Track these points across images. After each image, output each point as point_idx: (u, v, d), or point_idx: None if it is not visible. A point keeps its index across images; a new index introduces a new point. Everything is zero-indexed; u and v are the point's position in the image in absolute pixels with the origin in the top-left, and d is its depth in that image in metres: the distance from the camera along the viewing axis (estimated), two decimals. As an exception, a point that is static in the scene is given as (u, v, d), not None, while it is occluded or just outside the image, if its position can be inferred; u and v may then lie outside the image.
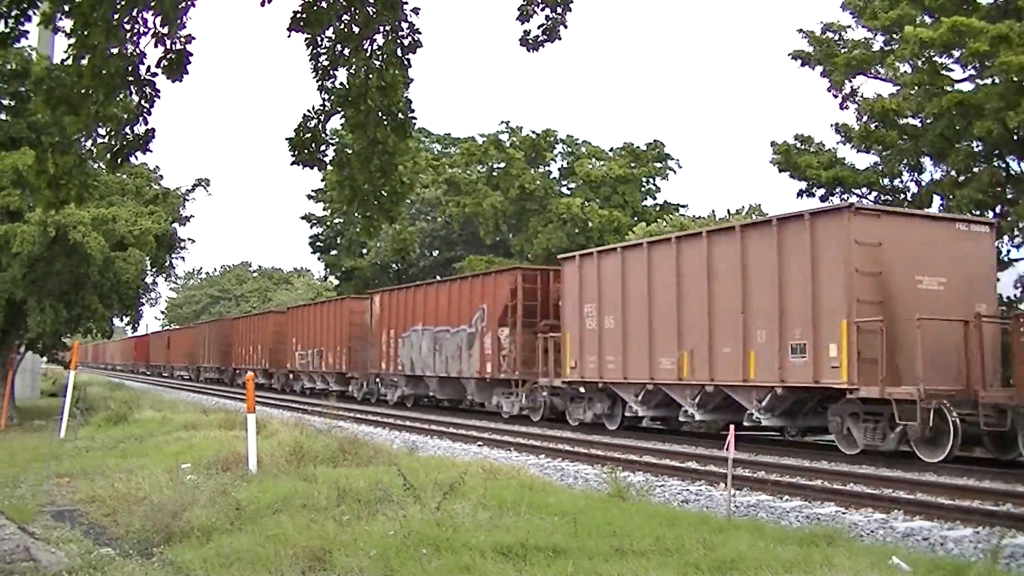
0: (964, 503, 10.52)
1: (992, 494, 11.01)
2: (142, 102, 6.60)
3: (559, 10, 7.11)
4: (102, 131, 6.77)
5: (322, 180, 53.05)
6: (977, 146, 22.62)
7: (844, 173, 24.66)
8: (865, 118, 24.33)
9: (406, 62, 7.02)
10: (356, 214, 7.66)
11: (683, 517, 8.97)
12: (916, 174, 25.05)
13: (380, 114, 7.08)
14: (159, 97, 6.62)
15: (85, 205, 21.26)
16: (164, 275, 29.43)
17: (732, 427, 10.05)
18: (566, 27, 7.17)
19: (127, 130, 6.70)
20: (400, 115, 7.16)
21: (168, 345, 66.87)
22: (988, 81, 21.39)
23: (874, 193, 25.45)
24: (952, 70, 22.83)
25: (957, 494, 11.17)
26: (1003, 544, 7.59)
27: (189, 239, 28.33)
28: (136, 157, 6.93)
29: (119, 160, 6.91)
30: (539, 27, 7.17)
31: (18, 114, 23.72)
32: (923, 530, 9.29)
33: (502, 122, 62.67)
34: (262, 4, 6.58)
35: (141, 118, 6.67)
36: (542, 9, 7.10)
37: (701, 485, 12.60)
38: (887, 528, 9.43)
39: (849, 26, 25.50)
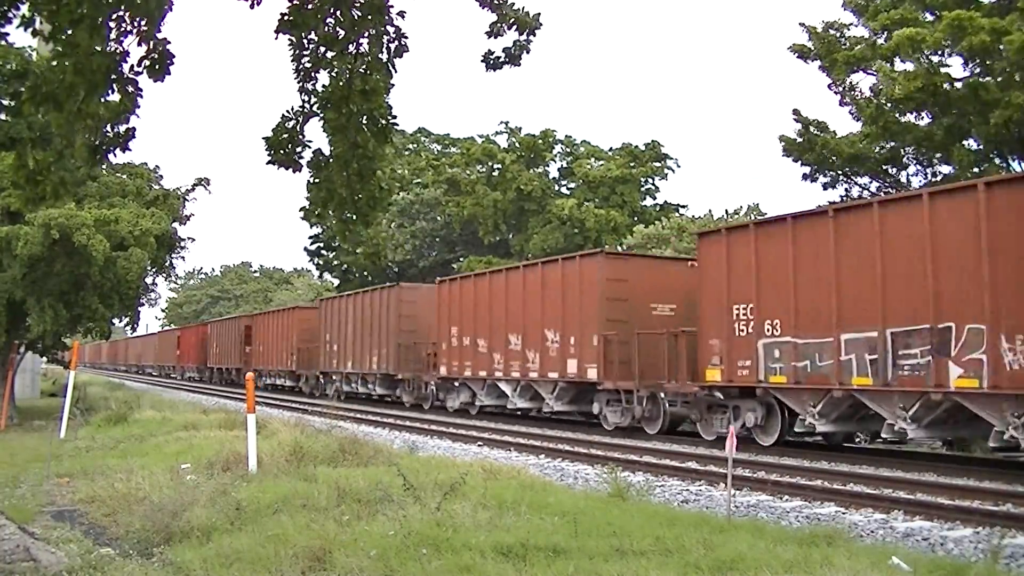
0: (964, 503, 10.52)
1: (992, 494, 11.01)
2: (125, 100, 6.59)
3: (526, 34, 7.16)
4: (82, 128, 6.75)
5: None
6: (978, 145, 22.64)
7: (861, 148, 24.63)
8: (869, 122, 24.36)
9: (391, 67, 7.03)
10: (332, 217, 7.63)
11: (683, 517, 8.96)
12: (925, 167, 25.08)
13: (362, 118, 7.08)
14: (142, 96, 6.61)
15: (86, 206, 21.28)
16: (164, 275, 29.46)
17: (732, 427, 10.06)
18: (528, 52, 7.24)
19: (108, 128, 6.69)
20: (382, 120, 7.15)
21: (246, 338, 44.55)
22: (989, 79, 21.41)
23: (875, 184, 25.51)
24: (950, 66, 22.85)
25: (957, 494, 11.16)
26: (1003, 544, 7.59)
27: (189, 238, 28.34)
28: (115, 155, 6.92)
29: (97, 157, 6.90)
30: (503, 49, 7.23)
31: (18, 114, 23.70)
32: (923, 530, 9.29)
33: (501, 122, 62.73)
34: (251, 6, 6.59)
35: (124, 117, 6.66)
36: (511, 28, 7.14)
37: (701, 485, 12.60)
38: (887, 528, 9.43)
39: (851, 24, 25.55)
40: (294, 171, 7.27)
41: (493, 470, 11.57)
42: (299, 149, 7.20)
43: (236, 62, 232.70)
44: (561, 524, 8.00)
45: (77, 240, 20.50)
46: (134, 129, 6.75)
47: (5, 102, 24.09)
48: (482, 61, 7.27)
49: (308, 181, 7.44)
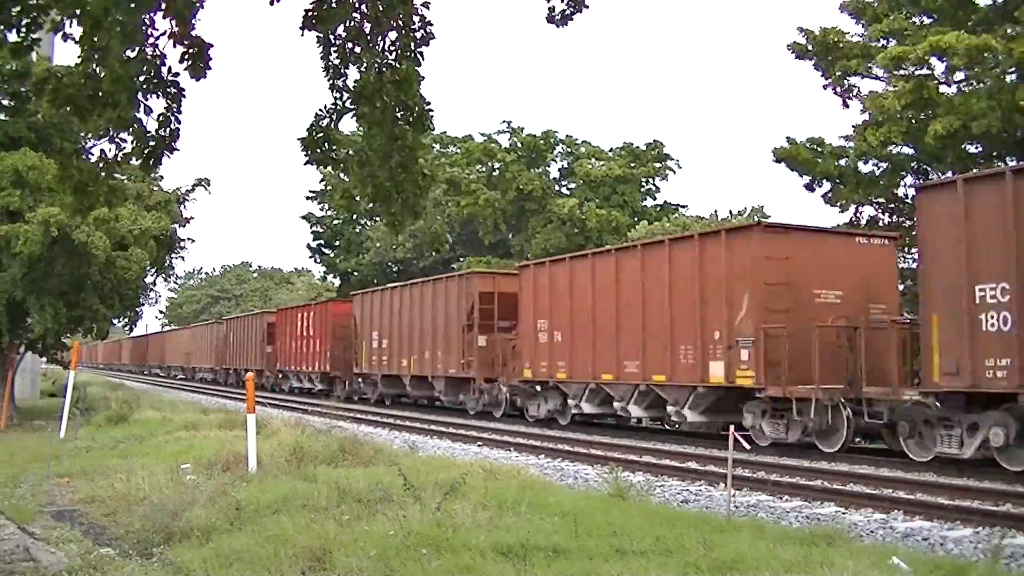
0: (964, 503, 10.51)
1: (992, 494, 11.01)
2: (169, 102, 6.59)
3: None
4: (127, 136, 6.73)
5: (321, 181, 53.23)
6: (976, 147, 22.66)
7: (847, 171, 24.92)
8: (868, 119, 24.41)
9: (419, 55, 7.00)
10: (379, 211, 7.63)
11: (683, 517, 8.97)
12: (920, 177, 25.20)
13: (397, 109, 7.07)
14: (184, 96, 6.61)
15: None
16: (164, 275, 29.46)
17: (732, 427, 10.06)
18: (587, 7, 7.11)
19: (155, 131, 6.68)
20: (417, 109, 7.14)
21: (468, 318, 25.37)
22: (977, 85, 21.52)
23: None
24: (938, 80, 22.97)
25: (957, 494, 11.16)
26: (1003, 544, 7.59)
27: (189, 238, 28.38)
28: (168, 157, 6.88)
29: (151, 162, 6.85)
30: (563, 1, 7.11)
31: (18, 114, 23.73)
32: (923, 530, 9.29)
33: (503, 122, 62.69)
34: (271, 3, 6.60)
35: (173, 118, 6.65)
36: None
37: (701, 485, 12.59)
38: (887, 528, 9.43)
39: (848, 34, 25.61)
40: (332, 168, 7.29)
41: (493, 470, 11.57)
42: (335, 147, 7.20)
43: (236, 61, 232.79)
44: (561, 524, 8.00)
45: (76, 238, 20.48)
46: (178, 129, 6.74)
47: (5, 102, 24.21)
48: (548, 21, 7.11)
49: (353, 179, 7.41)
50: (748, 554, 6.90)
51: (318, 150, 7.12)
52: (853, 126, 25.51)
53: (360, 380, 32.56)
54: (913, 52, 21.06)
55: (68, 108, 6.36)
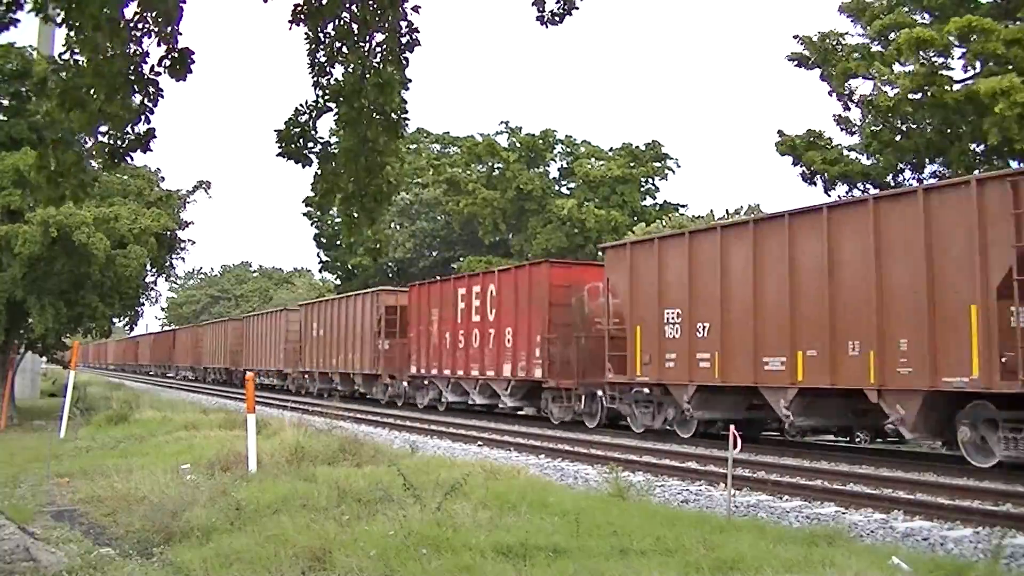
0: (964, 503, 10.51)
1: (992, 494, 11.00)
2: (145, 101, 6.59)
3: None
4: (103, 129, 6.75)
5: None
6: (978, 146, 22.64)
7: (849, 168, 24.94)
8: (869, 117, 24.43)
9: (403, 61, 7.03)
10: (338, 212, 7.69)
11: (683, 517, 8.96)
12: (918, 172, 25.22)
13: (374, 112, 7.08)
14: (163, 96, 6.61)
15: (85, 205, 21.27)
16: (164, 275, 29.45)
17: (732, 427, 10.05)
18: (577, 8, 7.14)
19: (128, 129, 6.68)
20: (393, 115, 7.16)
21: None
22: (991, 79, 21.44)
23: (874, 190, 25.60)
24: (952, 69, 22.88)
25: (957, 494, 11.16)
26: (1003, 544, 7.58)
27: (189, 240, 28.23)
28: (133, 157, 6.90)
29: (116, 159, 6.88)
30: (556, 1, 7.14)
31: (18, 114, 23.72)
32: (923, 530, 9.29)
33: (502, 122, 62.67)
34: (265, 0, 6.63)
35: (143, 117, 6.65)
36: None
37: (701, 485, 12.59)
38: (887, 528, 9.42)
39: (847, 32, 25.63)
40: (303, 165, 7.28)
41: (493, 470, 11.56)
42: (310, 143, 7.21)
43: (236, 60, 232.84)
44: (561, 524, 7.99)
45: (77, 239, 20.49)
46: (153, 130, 6.74)
47: (5, 102, 24.19)
48: (538, 20, 7.14)
49: (315, 173, 7.47)
50: (748, 554, 6.90)
51: (293, 144, 7.14)
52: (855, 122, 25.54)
53: (614, 392, 19.44)
54: (938, 37, 20.78)
55: (77, 109, 6.37)
